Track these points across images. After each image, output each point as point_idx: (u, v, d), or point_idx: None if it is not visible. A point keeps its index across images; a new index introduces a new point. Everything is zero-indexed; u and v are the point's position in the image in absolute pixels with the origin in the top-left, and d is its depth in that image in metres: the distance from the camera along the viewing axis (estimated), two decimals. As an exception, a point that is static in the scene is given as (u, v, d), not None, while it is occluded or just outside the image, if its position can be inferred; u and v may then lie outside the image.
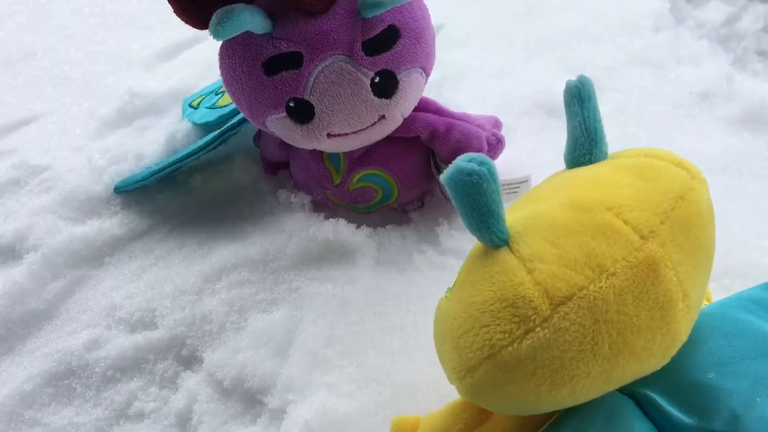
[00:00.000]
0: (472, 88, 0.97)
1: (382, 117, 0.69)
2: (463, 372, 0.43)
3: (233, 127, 0.82)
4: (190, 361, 0.72)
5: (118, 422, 0.70)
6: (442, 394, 0.64)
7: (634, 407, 0.47)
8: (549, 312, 0.39)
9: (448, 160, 0.78)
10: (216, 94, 0.93)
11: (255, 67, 0.65)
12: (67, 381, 0.73)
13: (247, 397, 0.67)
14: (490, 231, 0.42)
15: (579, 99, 0.47)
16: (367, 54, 0.65)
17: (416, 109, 0.74)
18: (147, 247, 0.84)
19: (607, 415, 0.46)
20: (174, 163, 0.83)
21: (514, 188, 0.77)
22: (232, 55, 0.66)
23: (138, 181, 0.85)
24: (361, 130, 0.70)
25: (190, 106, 0.95)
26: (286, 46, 0.64)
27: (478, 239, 0.43)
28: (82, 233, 0.84)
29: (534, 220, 0.43)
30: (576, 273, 0.40)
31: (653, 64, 0.97)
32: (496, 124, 0.82)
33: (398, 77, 0.67)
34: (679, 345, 0.43)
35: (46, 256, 0.82)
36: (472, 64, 1.01)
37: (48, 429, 0.70)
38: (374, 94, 0.67)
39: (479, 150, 0.76)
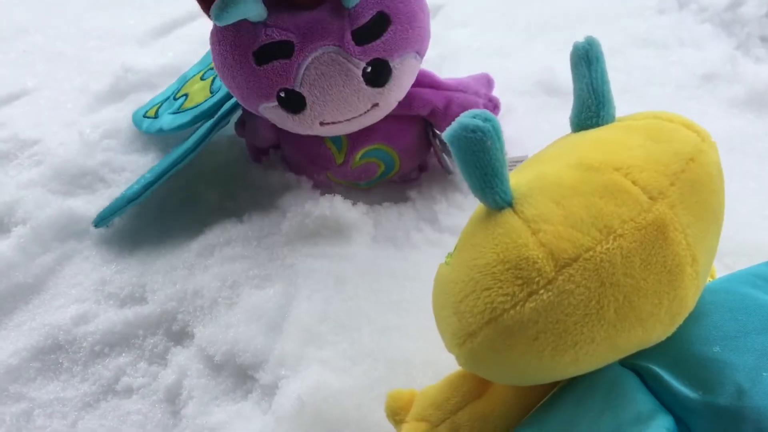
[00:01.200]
0: (471, 67, 0.95)
1: (376, 105, 0.68)
2: (463, 337, 0.41)
3: (224, 116, 0.79)
4: (181, 336, 0.70)
5: (105, 397, 0.68)
6: (438, 371, 0.62)
7: (637, 380, 0.45)
8: (553, 274, 0.38)
9: None
10: (175, 99, 0.89)
11: (246, 55, 0.64)
12: (53, 356, 0.71)
13: (239, 372, 0.66)
14: (494, 191, 0.41)
15: (587, 60, 0.46)
16: (357, 44, 0.63)
17: (412, 85, 0.73)
18: (138, 223, 0.82)
19: (608, 388, 0.45)
20: (155, 181, 0.78)
21: (512, 166, 0.75)
22: (224, 42, 0.65)
23: (118, 211, 0.80)
24: (353, 118, 0.68)
25: (146, 116, 0.91)
26: (277, 34, 0.63)
27: (481, 200, 0.42)
28: (72, 207, 0.82)
29: (539, 181, 0.41)
30: (582, 234, 0.38)
31: (657, 45, 0.95)
32: (489, 83, 0.82)
33: (391, 65, 0.65)
34: (686, 313, 0.42)
35: (35, 229, 0.80)
36: (471, 43, 1.00)
37: (34, 404, 0.68)
38: (367, 84, 0.65)
39: None
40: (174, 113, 0.87)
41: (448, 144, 0.40)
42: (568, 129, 0.84)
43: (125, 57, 1.04)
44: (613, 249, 0.38)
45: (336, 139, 0.75)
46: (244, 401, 0.64)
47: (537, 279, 0.38)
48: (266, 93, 0.65)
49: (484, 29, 1.03)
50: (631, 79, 0.91)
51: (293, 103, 0.66)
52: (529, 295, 0.38)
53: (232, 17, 0.61)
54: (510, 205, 0.41)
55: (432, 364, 0.62)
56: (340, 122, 0.68)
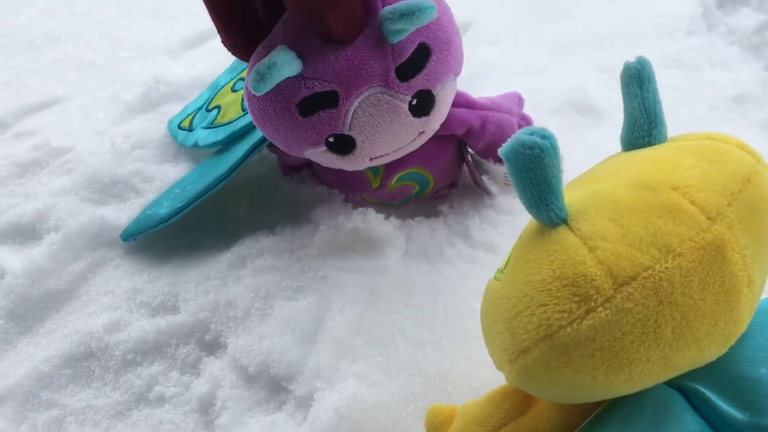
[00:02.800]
0: (501, 85, 0.95)
1: (422, 132, 0.68)
2: (515, 353, 0.41)
3: (257, 145, 0.78)
4: (213, 346, 0.70)
5: (137, 406, 0.68)
6: (474, 386, 0.62)
7: (683, 400, 0.45)
8: (612, 292, 0.38)
9: (483, 153, 0.77)
10: (207, 111, 0.90)
11: (289, 109, 0.63)
12: (85, 363, 0.71)
13: (273, 383, 0.66)
14: (549, 208, 0.41)
15: (638, 80, 0.46)
16: (402, 80, 0.63)
17: None
18: (168, 233, 0.82)
19: (655, 407, 0.45)
20: (187, 206, 0.78)
21: None
22: (262, 100, 0.64)
23: (147, 230, 0.80)
24: (401, 148, 0.69)
25: (180, 127, 0.91)
26: (320, 86, 0.61)
27: (535, 217, 0.42)
28: (104, 216, 0.83)
29: (595, 199, 0.41)
30: (641, 252, 0.38)
31: (687, 67, 0.96)
32: (520, 101, 0.82)
33: (434, 93, 0.65)
34: (739, 333, 0.42)
35: (67, 236, 0.80)
36: (501, 61, 1.00)
37: (65, 411, 0.68)
38: (413, 116, 0.65)
39: None
40: (208, 128, 0.87)
41: (504, 160, 0.41)
42: (600, 148, 0.84)
43: (156, 68, 1.05)
44: (672, 268, 0.38)
45: (373, 166, 0.75)
46: (278, 412, 0.64)
47: (595, 296, 0.38)
48: (314, 141, 0.65)
49: (513, 47, 1.04)
50: (662, 100, 0.90)
51: (343, 146, 0.66)
52: (587, 312, 0.38)
53: (271, 85, 0.60)
54: (565, 222, 0.41)
55: (468, 379, 0.62)
56: (388, 154, 0.68)
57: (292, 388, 0.64)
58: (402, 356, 0.65)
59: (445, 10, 0.66)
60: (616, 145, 0.81)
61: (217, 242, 0.79)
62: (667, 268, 0.38)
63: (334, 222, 0.76)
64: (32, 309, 0.76)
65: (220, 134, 0.85)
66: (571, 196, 0.43)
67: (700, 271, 0.38)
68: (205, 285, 0.74)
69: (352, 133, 0.64)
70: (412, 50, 0.62)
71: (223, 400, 0.65)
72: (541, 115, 0.90)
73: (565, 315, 0.39)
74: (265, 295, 0.72)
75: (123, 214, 0.83)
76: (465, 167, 0.82)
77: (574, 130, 0.89)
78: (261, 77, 0.59)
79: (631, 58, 0.48)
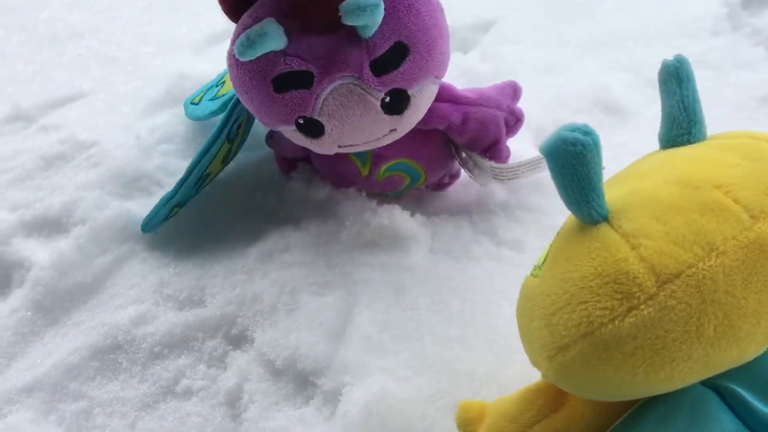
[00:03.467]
0: (525, 83, 0.95)
1: (393, 130, 0.68)
2: (554, 350, 0.41)
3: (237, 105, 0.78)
4: (240, 340, 0.71)
5: (165, 399, 0.68)
6: (502, 384, 0.62)
7: (719, 400, 0.45)
8: (655, 289, 0.38)
9: (467, 148, 0.76)
10: (216, 86, 0.91)
11: (265, 82, 0.63)
12: (113, 355, 0.72)
13: (300, 378, 0.66)
14: (590, 206, 0.41)
15: (677, 78, 0.46)
16: (375, 75, 0.62)
17: None
18: (193, 228, 0.83)
19: (692, 406, 0.45)
20: (187, 177, 0.78)
21: (528, 167, 0.75)
22: (242, 66, 0.64)
23: (159, 211, 0.80)
24: (371, 141, 0.68)
25: (192, 103, 0.92)
26: (297, 64, 0.62)
27: (575, 214, 0.42)
28: (130, 210, 0.83)
29: (636, 197, 0.41)
30: (684, 250, 0.38)
31: (712, 67, 0.95)
32: (515, 92, 0.78)
33: (410, 93, 0.65)
34: (780, 333, 0.42)
35: (94, 230, 0.81)
36: (524, 60, 1.00)
37: (93, 402, 0.69)
38: (385, 113, 0.65)
39: (497, 135, 0.75)
40: (210, 100, 0.88)
41: (545, 157, 0.41)
42: (625, 148, 0.84)
43: (179, 63, 1.06)
44: (715, 266, 0.38)
45: (360, 154, 0.75)
46: (306, 407, 0.64)
47: (638, 294, 0.38)
48: (285, 119, 0.66)
49: (536, 45, 1.03)
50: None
51: (312, 129, 0.66)
52: (629, 309, 0.38)
53: (257, 53, 0.60)
54: (605, 219, 0.41)
55: (496, 376, 0.62)
56: (358, 145, 0.68)
57: (319, 382, 0.65)
58: (429, 352, 0.65)
59: (430, 11, 0.64)
60: (641, 145, 0.81)
61: (243, 237, 0.79)
62: (710, 266, 0.38)
63: (359, 218, 0.76)
64: (59, 301, 0.77)
65: (216, 104, 0.85)
66: (610, 194, 0.43)
67: (743, 270, 0.38)
68: (231, 279, 0.74)
69: (321, 119, 0.64)
70: (387, 47, 0.62)
71: (251, 393, 0.66)
72: (566, 114, 0.90)
73: (607, 312, 0.39)
74: (292, 290, 0.72)
75: (148, 208, 0.83)
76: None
77: (600, 129, 0.85)
78: (251, 44, 0.59)
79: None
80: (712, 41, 1.00)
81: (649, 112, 0.90)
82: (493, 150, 0.75)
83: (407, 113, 0.66)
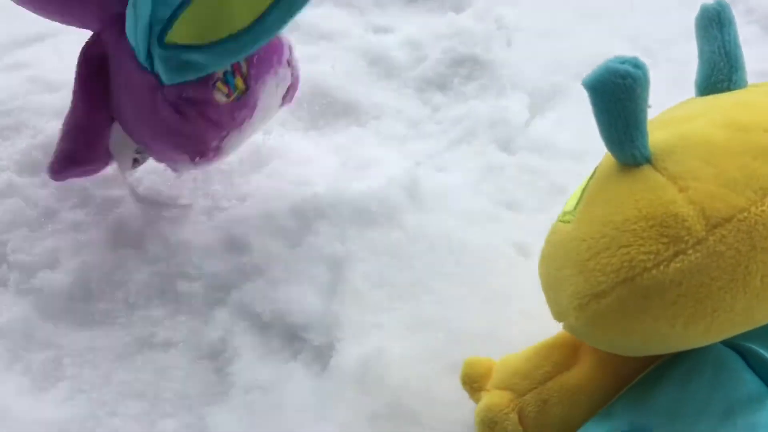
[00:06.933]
0: (522, 47, 0.93)
1: None
2: (587, 297, 0.39)
3: None
4: (225, 291, 0.66)
5: (140, 350, 0.64)
6: (501, 346, 0.59)
7: (741, 360, 0.44)
8: (704, 233, 0.36)
9: None
10: None
11: None
12: (85, 304, 0.67)
13: (288, 332, 0.63)
14: (633, 145, 0.38)
15: (718, 22, 0.44)
16: None
17: None
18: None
19: (715, 366, 0.43)
20: None
21: None
22: None
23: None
24: None
25: None
26: None
27: (616, 155, 0.39)
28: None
29: (682, 140, 0.39)
30: (736, 194, 0.36)
31: (711, 40, 0.94)
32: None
33: None
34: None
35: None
36: (522, 22, 0.97)
37: (63, 352, 0.64)
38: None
39: None
40: None
41: (588, 90, 0.38)
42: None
43: None
44: (767, 212, 0.36)
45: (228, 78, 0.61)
46: (294, 361, 0.61)
47: (686, 238, 0.36)
48: None
49: (534, 9, 1.01)
50: (684, 71, 0.89)
51: None
52: (676, 254, 0.36)
53: None
54: (648, 161, 0.39)
55: (495, 337, 0.60)
56: None
57: (309, 337, 0.62)
58: (426, 311, 0.62)
59: None
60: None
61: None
62: (763, 211, 0.36)
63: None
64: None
65: None
66: (651, 137, 0.40)
67: (795, 218, 0.36)
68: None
69: None
70: None
71: (235, 347, 0.62)
72: (562, 79, 0.88)
73: (651, 257, 0.36)
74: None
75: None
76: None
77: None
78: None
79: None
80: (709, 14, 0.99)
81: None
82: None
83: None
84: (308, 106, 0.88)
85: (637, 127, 0.38)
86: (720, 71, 0.44)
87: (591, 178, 0.43)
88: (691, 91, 0.88)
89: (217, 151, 0.63)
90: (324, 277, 0.65)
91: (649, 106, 0.39)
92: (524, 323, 0.61)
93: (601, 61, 0.91)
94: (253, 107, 0.61)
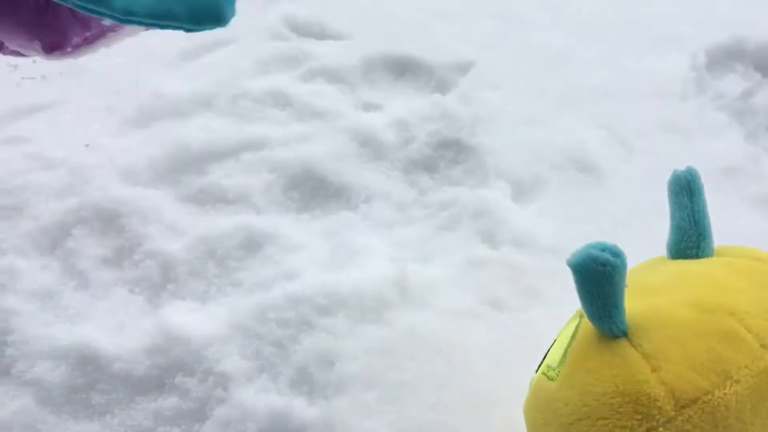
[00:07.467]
0: (504, 133, 0.98)
1: None
2: (569, 458, 0.43)
3: None
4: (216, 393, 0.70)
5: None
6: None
7: None
8: (673, 413, 0.40)
9: None
10: None
11: None
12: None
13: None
14: (611, 321, 0.43)
15: (689, 191, 0.48)
16: None
17: None
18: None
19: None
20: None
21: None
22: None
23: None
24: None
25: None
26: None
27: (597, 328, 0.44)
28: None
29: (655, 315, 0.43)
30: (702, 377, 0.40)
31: (681, 132, 0.99)
32: None
33: None
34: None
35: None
36: (504, 108, 1.02)
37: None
38: None
39: None
40: None
41: (572, 272, 0.42)
42: (601, 210, 0.86)
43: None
44: (729, 394, 0.40)
45: None
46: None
47: (657, 416, 0.40)
48: None
49: (514, 94, 1.05)
50: (659, 163, 0.93)
51: None
52: (648, 430, 0.40)
53: None
54: (625, 335, 0.43)
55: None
56: None
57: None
58: (413, 416, 0.66)
59: None
60: (615, 207, 0.85)
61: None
62: (725, 394, 0.40)
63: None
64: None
65: None
66: (629, 307, 0.44)
67: (753, 398, 0.41)
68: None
69: None
70: None
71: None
72: (542, 169, 0.93)
73: (626, 431, 0.40)
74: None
75: None
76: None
77: (574, 186, 0.91)
78: None
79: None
80: (680, 105, 1.05)
81: (623, 172, 0.93)
82: None
83: None
84: (301, 187, 0.92)
85: (615, 306, 0.42)
86: (689, 238, 0.48)
87: (573, 337, 0.47)
88: (663, 186, 0.93)
89: (76, 49, 0.62)
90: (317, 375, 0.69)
91: (626, 286, 0.43)
92: (507, 421, 0.65)
93: (578, 153, 0.95)
94: None
